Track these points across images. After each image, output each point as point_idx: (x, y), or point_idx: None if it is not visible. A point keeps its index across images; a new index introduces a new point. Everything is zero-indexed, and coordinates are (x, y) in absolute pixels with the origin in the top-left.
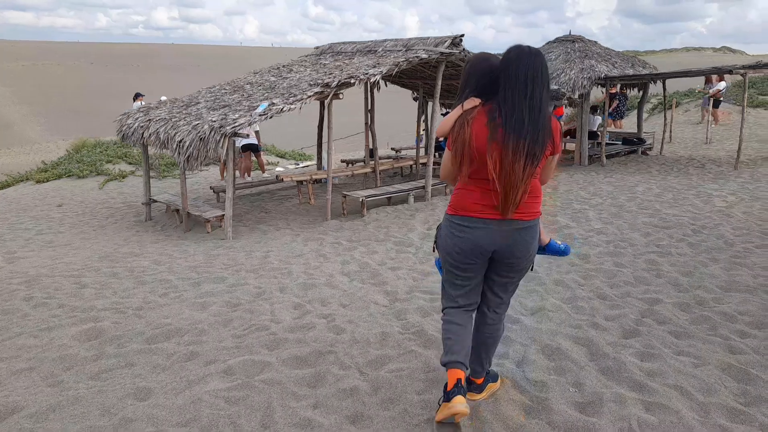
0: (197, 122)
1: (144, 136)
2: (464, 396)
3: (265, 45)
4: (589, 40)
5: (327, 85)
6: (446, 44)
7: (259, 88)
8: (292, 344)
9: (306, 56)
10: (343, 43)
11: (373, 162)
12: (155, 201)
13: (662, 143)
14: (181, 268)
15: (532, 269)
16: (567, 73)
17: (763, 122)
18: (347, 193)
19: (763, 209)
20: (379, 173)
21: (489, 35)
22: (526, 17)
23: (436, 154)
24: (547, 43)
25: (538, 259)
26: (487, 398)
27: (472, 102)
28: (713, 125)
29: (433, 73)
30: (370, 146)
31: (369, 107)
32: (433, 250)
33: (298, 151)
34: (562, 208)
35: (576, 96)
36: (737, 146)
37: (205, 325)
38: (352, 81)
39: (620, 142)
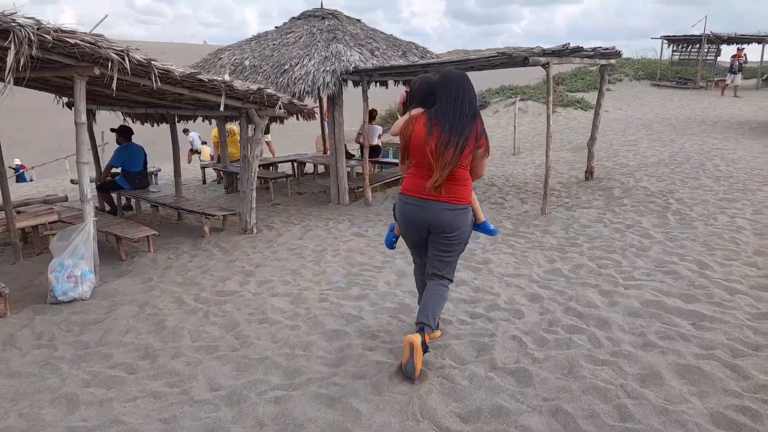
0: None
1: None
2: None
3: None
4: (348, 17)
5: None
6: None
7: None
8: None
9: None
10: None
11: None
12: None
13: None
14: None
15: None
16: (304, 65)
17: (573, 124)
18: None
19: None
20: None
21: None
22: (365, 15)
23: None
24: (291, 20)
25: None
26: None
27: (418, 110)
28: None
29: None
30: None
31: None
32: (395, 219)
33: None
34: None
35: (313, 98)
36: (546, 162)
37: None
38: None
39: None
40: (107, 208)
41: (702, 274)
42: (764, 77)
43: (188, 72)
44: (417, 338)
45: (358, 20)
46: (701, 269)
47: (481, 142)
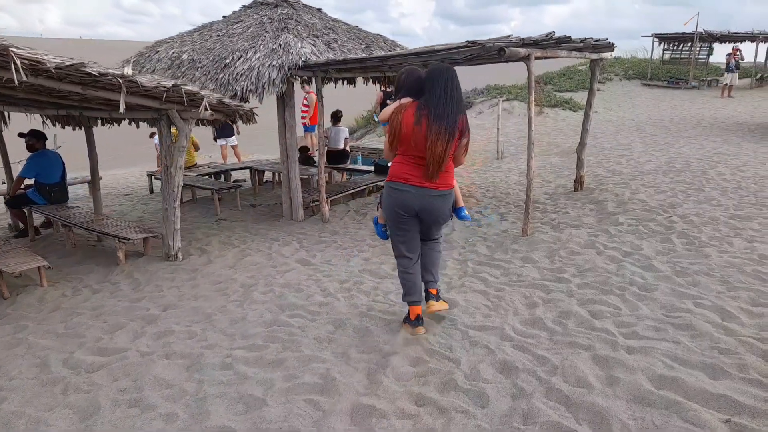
0: None
1: None
2: (422, 326)
3: (72, 37)
4: (306, 6)
5: None
6: None
7: None
8: None
9: None
10: None
11: None
12: None
13: None
14: None
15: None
16: (248, 59)
17: (562, 126)
18: None
19: None
20: None
21: None
22: (354, 16)
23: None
24: (241, 8)
25: None
26: (445, 308)
27: (407, 99)
28: None
29: None
30: None
31: None
32: (377, 209)
33: None
34: None
35: (257, 98)
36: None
37: None
38: None
39: (372, 168)
40: (21, 226)
41: (727, 330)
42: (758, 77)
43: (67, 63)
44: (432, 304)
45: (319, 9)
46: (724, 321)
47: (466, 135)
